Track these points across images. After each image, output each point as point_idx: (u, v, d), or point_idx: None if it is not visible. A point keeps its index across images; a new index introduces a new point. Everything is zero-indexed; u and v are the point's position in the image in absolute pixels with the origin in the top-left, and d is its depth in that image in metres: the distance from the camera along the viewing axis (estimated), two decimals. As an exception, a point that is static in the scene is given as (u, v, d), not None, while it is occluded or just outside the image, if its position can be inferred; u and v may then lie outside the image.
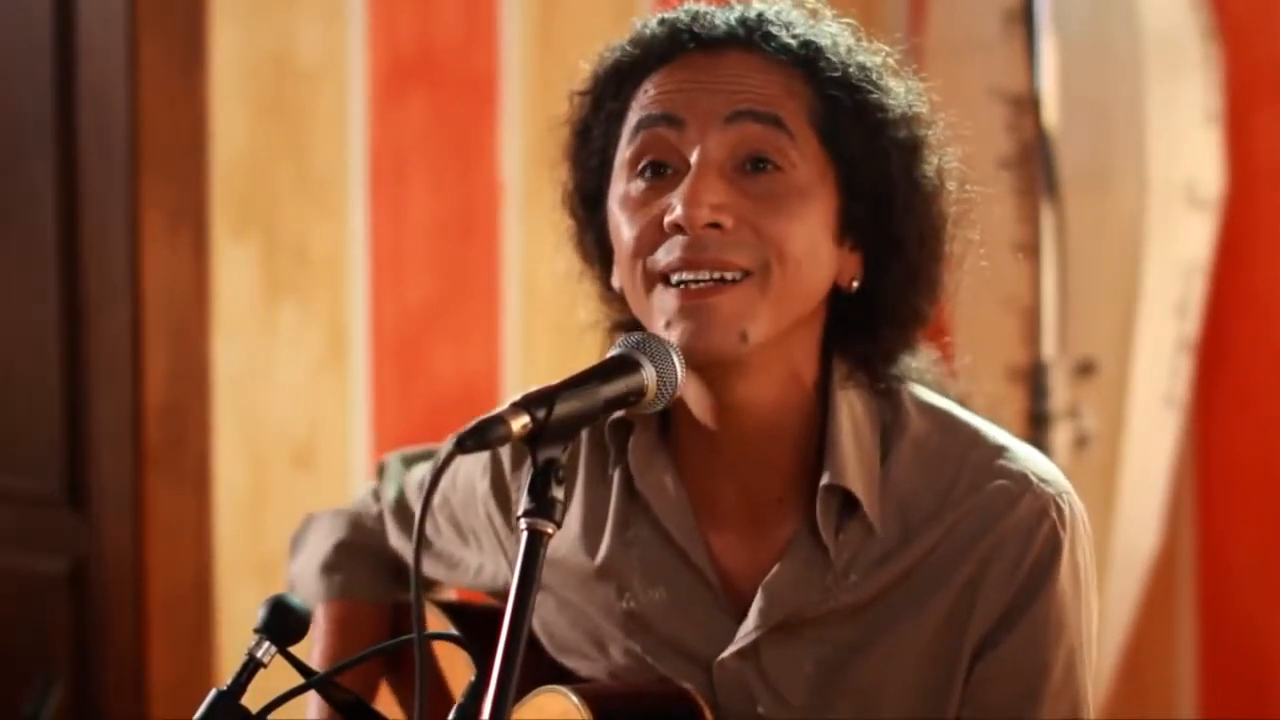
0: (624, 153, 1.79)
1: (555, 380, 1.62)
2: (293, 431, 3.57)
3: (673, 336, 1.72)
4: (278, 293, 3.54)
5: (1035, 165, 3.63)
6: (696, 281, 1.72)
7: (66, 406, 3.55)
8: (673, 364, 1.68)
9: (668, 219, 1.72)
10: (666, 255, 1.73)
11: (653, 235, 1.75)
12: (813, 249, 1.75)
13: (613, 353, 1.68)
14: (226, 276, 3.49)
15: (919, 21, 4.15)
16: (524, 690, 1.83)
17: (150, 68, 3.44)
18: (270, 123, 3.54)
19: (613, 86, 1.82)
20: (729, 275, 1.73)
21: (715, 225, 1.72)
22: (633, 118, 1.79)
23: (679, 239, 1.73)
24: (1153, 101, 3.79)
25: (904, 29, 4.22)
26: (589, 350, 1.91)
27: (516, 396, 1.58)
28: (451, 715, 1.65)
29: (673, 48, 1.79)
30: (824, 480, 1.78)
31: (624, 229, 1.77)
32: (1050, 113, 3.61)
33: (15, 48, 3.61)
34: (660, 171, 1.76)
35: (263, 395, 3.54)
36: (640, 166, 1.77)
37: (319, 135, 3.60)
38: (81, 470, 3.55)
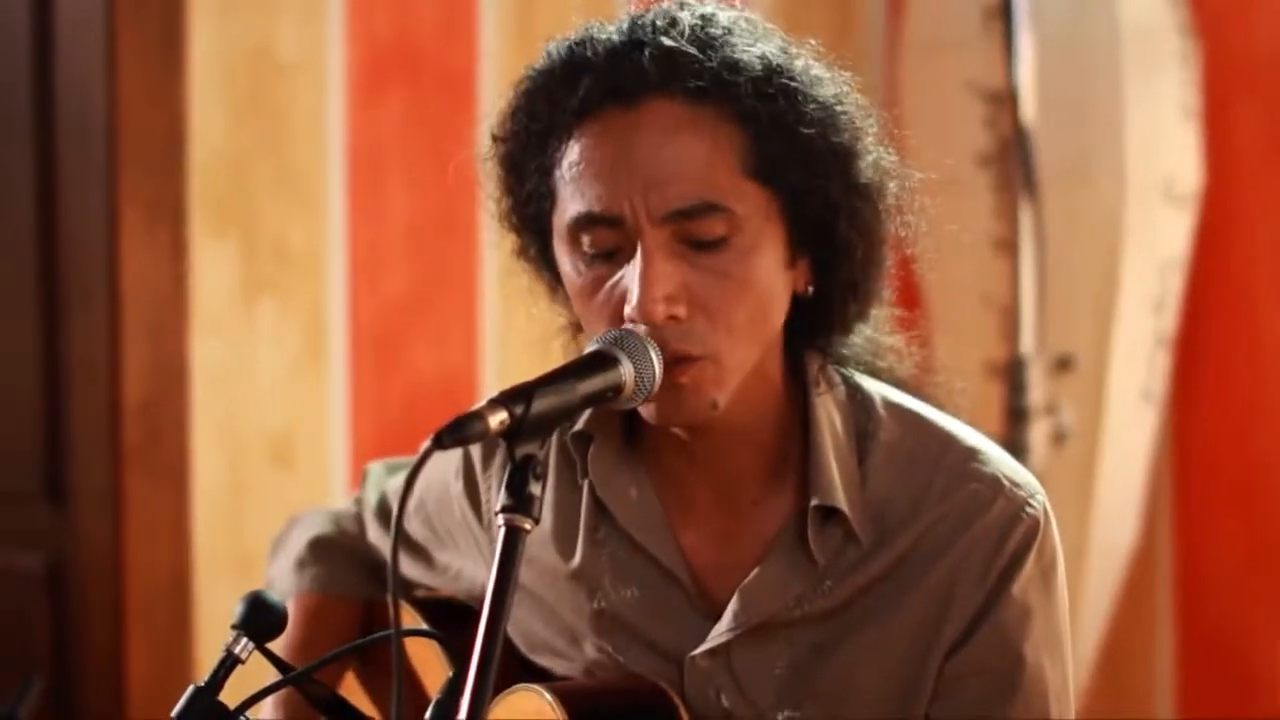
0: (563, 219, 1.76)
1: (534, 376, 1.62)
2: (271, 428, 3.56)
3: (645, 411, 1.73)
4: (256, 289, 3.54)
5: (1013, 161, 3.63)
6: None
7: (45, 403, 3.54)
8: (650, 360, 1.68)
9: (627, 310, 1.71)
10: None
11: (613, 322, 1.73)
12: (765, 303, 1.75)
13: (591, 349, 1.68)
14: (205, 273, 3.48)
15: (897, 17, 4.15)
16: (497, 690, 1.83)
17: (129, 63, 3.43)
18: (249, 119, 3.53)
19: (536, 146, 1.78)
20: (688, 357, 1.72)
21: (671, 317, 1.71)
22: (564, 193, 1.75)
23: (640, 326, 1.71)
24: (1131, 97, 3.80)
25: (883, 25, 4.23)
26: (567, 347, 1.91)
27: (494, 393, 1.58)
28: (429, 713, 1.65)
29: (589, 104, 1.74)
30: (813, 501, 1.79)
31: (579, 300, 1.76)
32: (1028, 109, 3.61)
33: (-8, 43, 3.60)
34: (607, 253, 1.74)
35: (241, 392, 3.54)
36: (583, 247, 1.75)
37: (297, 131, 3.59)
38: (60, 467, 3.54)
